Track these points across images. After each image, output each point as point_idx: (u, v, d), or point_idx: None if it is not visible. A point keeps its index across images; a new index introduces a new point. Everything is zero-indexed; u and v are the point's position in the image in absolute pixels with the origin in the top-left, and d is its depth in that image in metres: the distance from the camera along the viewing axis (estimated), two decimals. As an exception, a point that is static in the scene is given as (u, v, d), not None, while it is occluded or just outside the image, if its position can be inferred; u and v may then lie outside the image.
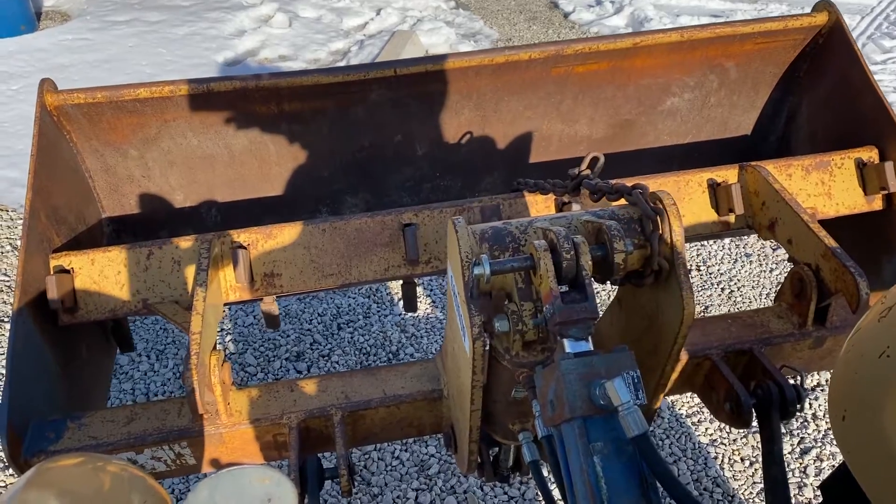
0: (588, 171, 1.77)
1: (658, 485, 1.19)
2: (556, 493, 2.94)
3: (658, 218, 1.39)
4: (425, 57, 2.45)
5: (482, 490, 3.14)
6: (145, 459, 1.77)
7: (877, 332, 1.20)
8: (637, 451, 1.18)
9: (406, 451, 3.33)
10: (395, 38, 7.65)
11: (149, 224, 2.54)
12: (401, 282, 2.34)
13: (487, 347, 1.37)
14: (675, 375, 1.83)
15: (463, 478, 3.18)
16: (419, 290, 4.26)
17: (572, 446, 1.21)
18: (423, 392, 1.84)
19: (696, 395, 2.08)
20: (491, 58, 2.36)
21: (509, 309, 1.33)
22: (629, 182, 1.54)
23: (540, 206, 2.18)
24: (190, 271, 2.02)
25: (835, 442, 3.26)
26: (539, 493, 3.04)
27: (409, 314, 4.07)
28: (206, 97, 2.27)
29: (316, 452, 1.78)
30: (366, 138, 2.58)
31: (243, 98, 2.32)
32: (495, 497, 3.11)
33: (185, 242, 2.02)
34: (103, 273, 2.01)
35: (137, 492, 1.03)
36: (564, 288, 1.29)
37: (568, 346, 1.26)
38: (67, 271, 1.98)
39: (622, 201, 1.52)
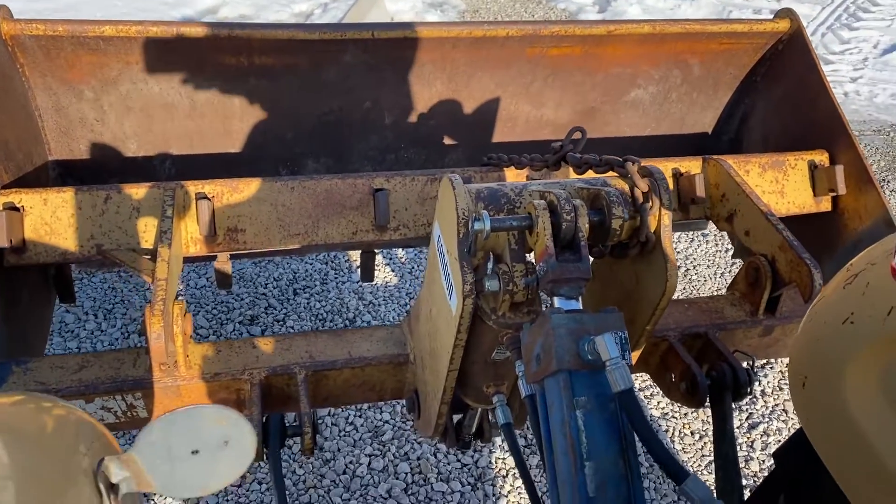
0: (571, 145, 1.79)
1: (638, 444, 1.21)
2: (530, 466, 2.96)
3: (649, 190, 1.41)
4: (404, 23, 2.42)
5: (435, 457, 3.14)
6: (94, 409, 1.69)
7: (841, 298, 1.23)
8: (620, 409, 1.20)
9: (360, 416, 3.30)
10: (360, 2, 7.52)
11: (98, 171, 2.42)
12: (360, 250, 2.32)
13: (475, 304, 1.36)
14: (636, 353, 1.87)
15: (417, 444, 3.18)
16: (378, 257, 4.22)
17: (556, 399, 1.22)
18: (389, 356, 1.82)
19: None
20: (469, 30, 2.36)
21: (500, 269, 1.34)
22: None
23: (512, 180, 2.19)
24: (149, 219, 1.93)
25: (782, 417, 3.43)
26: (493, 461, 3.06)
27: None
28: (174, 42, 2.17)
29: (277, 412, 1.74)
30: (335, 101, 2.53)
31: (213, 47, 2.23)
32: (448, 464, 3.12)
33: (146, 189, 1.94)
34: (56, 214, 1.90)
35: (84, 436, 0.95)
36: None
37: (558, 304, 1.28)
38: (17, 209, 1.87)
39: (610, 174, 1.54)
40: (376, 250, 2.36)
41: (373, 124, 2.62)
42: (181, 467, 0.91)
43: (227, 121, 2.48)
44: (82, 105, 2.30)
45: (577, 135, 1.77)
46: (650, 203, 1.43)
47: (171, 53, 2.24)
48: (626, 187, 1.47)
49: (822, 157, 2.46)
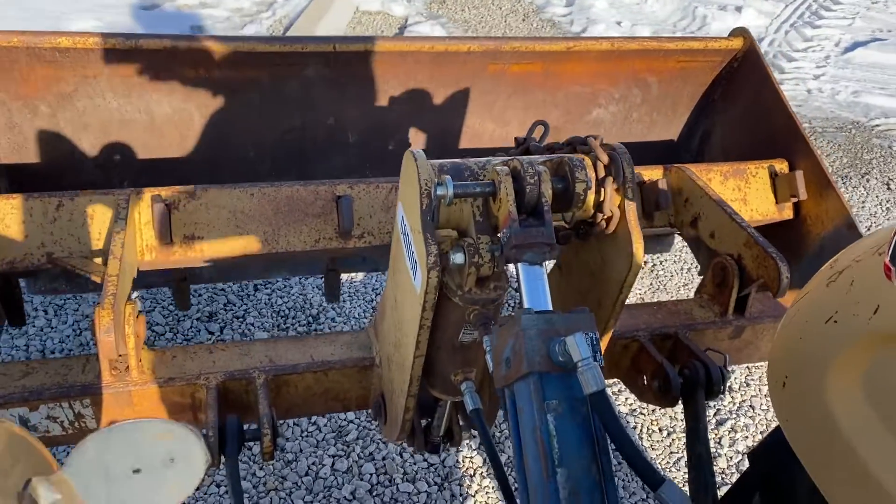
0: (534, 138, 1.77)
1: (610, 445, 1.17)
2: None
3: (610, 163, 1.42)
4: (365, 36, 2.40)
5: (401, 457, 3.09)
6: (39, 419, 1.60)
7: (824, 296, 1.21)
8: (592, 411, 1.16)
9: (323, 416, 3.22)
10: None
11: (53, 189, 2.35)
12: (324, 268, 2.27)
13: (440, 279, 1.33)
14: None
15: (382, 444, 3.12)
16: None
17: (526, 403, 1.18)
18: (353, 359, 1.77)
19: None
20: (431, 45, 2.35)
21: (465, 242, 1.32)
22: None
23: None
24: (103, 226, 1.86)
25: (749, 413, 3.44)
26: (461, 461, 3.01)
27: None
28: (132, 54, 2.11)
29: (235, 415, 1.66)
30: (297, 118, 2.48)
31: (172, 59, 2.17)
32: (414, 464, 3.06)
33: (101, 195, 1.87)
34: (4, 222, 1.81)
35: (11, 452, 0.86)
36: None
37: (522, 270, 1.29)
38: None
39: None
40: (341, 271, 2.33)
41: (336, 142, 2.57)
42: (120, 488, 0.83)
43: (186, 139, 2.41)
44: (37, 121, 2.22)
45: (540, 129, 1.75)
46: (612, 176, 1.43)
47: (128, 66, 2.17)
48: (590, 163, 1.47)
49: (781, 165, 2.50)
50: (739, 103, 2.73)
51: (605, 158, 1.44)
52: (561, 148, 1.60)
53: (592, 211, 1.46)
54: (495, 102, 2.63)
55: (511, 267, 1.37)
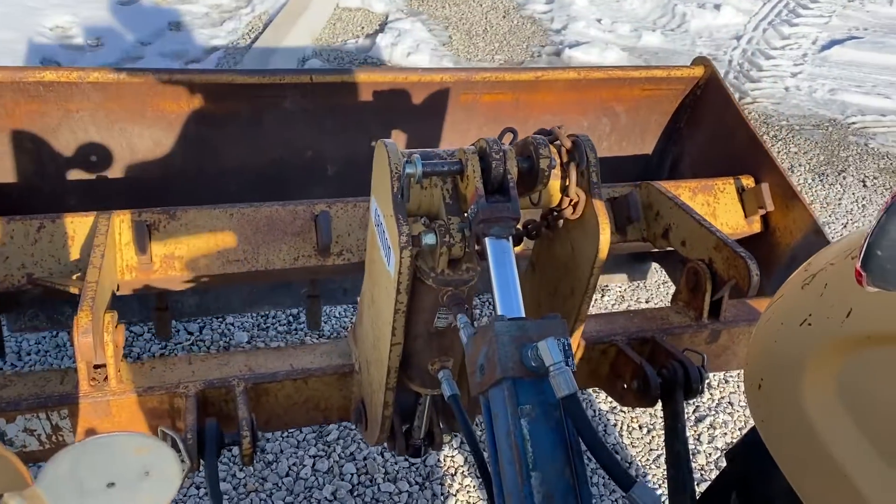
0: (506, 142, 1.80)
1: (584, 450, 1.19)
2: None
3: (574, 148, 1.47)
4: (340, 68, 2.50)
5: (382, 457, 3.09)
6: (16, 432, 1.59)
7: (799, 300, 1.23)
8: (565, 415, 1.18)
9: (305, 424, 3.23)
10: None
11: None
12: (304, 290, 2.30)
13: (413, 260, 1.36)
14: (579, 354, 1.87)
15: (363, 444, 3.12)
16: None
17: (500, 409, 1.19)
18: (333, 366, 1.79)
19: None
20: (405, 76, 2.44)
21: (436, 224, 1.37)
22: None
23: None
24: (84, 247, 1.88)
25: (727, 410, 3.48)
26: (442, 460, 3.02)
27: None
28: (114, 88, 2.15)
29: (214, 419, 1.66)
30: (276, 151, 2.52)
31: (154, 92, 2.21)
32: (396, 464, 3.07)
33: (82, 217, 1.89)
34: None
35: None
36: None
37: (490, 244, 1.33)
38: None
39: None
40: (321, 299, 2.37)
41: (316, 174, 2.61)
42: (94, 503, 0.83)
43: (168, 174, 2.44)
44: (21, 157, 2.23)
45: (509, 136, 1.78)
46: (575, 161, 1.48)
47: (111, 100, 2.20)
48: (555, 151, 1.51)
49: (748, 181, 2.58)
50: (705, 128, 2.84)
51: (567, 144, 1.49)
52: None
53: (559, 197, 1.51)
54: (468, 131, 2.70)
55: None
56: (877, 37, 8.49)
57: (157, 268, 1.93)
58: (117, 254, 1.88)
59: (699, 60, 2.80)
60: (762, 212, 2.51)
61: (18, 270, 1.84)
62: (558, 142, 1.51)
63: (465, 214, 1.38)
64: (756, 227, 2.54)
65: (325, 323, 3.75)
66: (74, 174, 2.34)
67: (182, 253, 1.95)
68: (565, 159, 1.49)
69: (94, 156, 2.33)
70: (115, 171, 2.38)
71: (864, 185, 5.76)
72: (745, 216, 2.53)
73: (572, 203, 1.52)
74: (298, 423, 1.89)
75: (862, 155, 6.23)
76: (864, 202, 5.52)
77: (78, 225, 1.88)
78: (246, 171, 2.52)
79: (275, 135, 2.47)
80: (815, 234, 2.38)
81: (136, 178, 2.41)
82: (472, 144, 1.42)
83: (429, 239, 1.35)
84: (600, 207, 1.50)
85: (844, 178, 5.84)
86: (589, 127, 2.85)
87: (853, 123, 6.75)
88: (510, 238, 1.35)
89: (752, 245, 2.48)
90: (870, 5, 9.46)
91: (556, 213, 1.58)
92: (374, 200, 1.49)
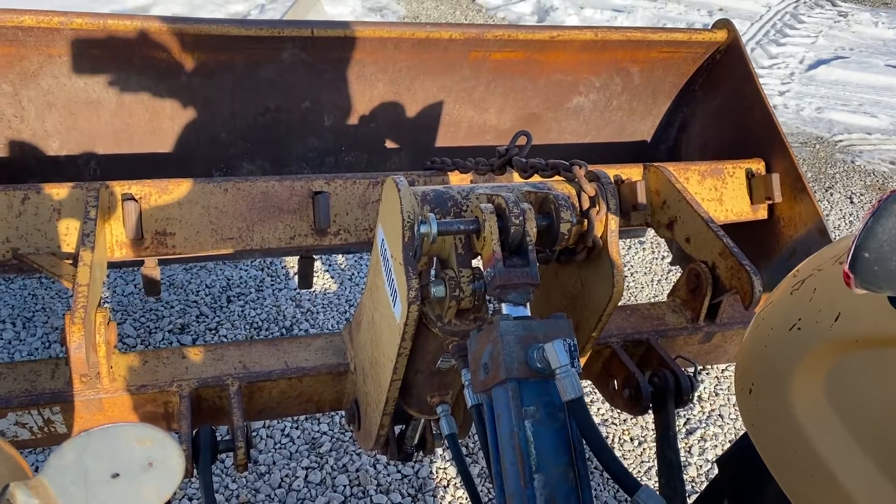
0: (517, 150, 1.77)
1: (587, 453, 1.18)
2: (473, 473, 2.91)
3: (596, 194, 1.41)
4: (345, 21, 2.36)
5: (375, 468, 3.06)
6: (7, 425, 1.56)
7: (788, 304, 1.24)
8: (569, 417, 1.17)
9: (297, 428, 3.19)
10: (298, 5, 7.35)
11: (17, 172, 2.26)
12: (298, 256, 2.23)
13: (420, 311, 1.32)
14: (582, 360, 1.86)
15: (356, 456, 3.09)
16: (317, 263, 4.12)
17: (504, 409, 1.18)
18: (328, 365, 1.75)
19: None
20: (412, 31, 2.30)
21: (447, 275, 1.31)
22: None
23: (456, 184, 2.14)
24: (71, 222, 1.81)
25: (718, 422, 3.47)
26: (434, 472, 3.00)
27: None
28: (100, 36, 2.05)
29: (208, 425, 1.64)
30: (272, 101, 2.43)
31: (142, 41, 2.11)
32: (388, 475, 3.04)
33: (68, 189, 1.81)
34: None
35: None
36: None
37: (506, 310, 1.25)
38: None
39: (556, 178, 1.53)
40: (316, 256, 2.28)
41: (311, 125, 2.53)
42: (99, 493, 0.82)
43: (156, 119, 2.35)
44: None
45: (523, 139, 1.75)
46: (597, 207, 1.43)
47: (97, 47, 2.10)
48: (573, 191, 1.46)
49: (758, 166, 2.50)
50: (719, 95, 2.73)
51: (590, 191, 1.44)
52: (544, 169, 1.59)
53: (574, 241, 1.46)
54: (475, 89, 2.61)
55: None
56: (862, 56, 8.63)
57: (148, 244, 1.86)
58: (107, 230, 1.82)
59: (722, 23, 2.66)
60: (769, 201, 2.46)
61: (3, 245, 1.77)
62: (577, 181, 1.46)
63: (478, 267, 1.32)
64: (761, 213, 2.49)
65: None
66: (57, 121, 2.25)
67: (174, 229, 1.88)
68: (585, 205, 1.43)
69: (78, 102, 2.23)
70: (102, 120, 2.29)
71: (851, 202, 5.82)
72: (752, 203, 2.48)
73: (588, 248, 1.48)
74: (291, 414, 1.85)
75: (849, 172, 6.30)
76: (851, 218, 5.58)
77: (65, 197, 1.80)
78: (238, 120, 2.43)
79: (271, 85, 2.38)
80: (819, 232, 2.35)
81: (123, 125, 2.33)
82: (490, 200, 1.33)
83: (438, 291, 1.29)
84: (616, 254, 1.45)
85: (832, 194, 5.90)
86: (601, 86, 2.77)
87: (840, 141, 6.83)
88: (527, 304, 1.28)
89: (754, 231, 2.49)
90: (855, 26, 9.62)
91: (570, 252, 1.52)
92: (382, 232, 1.43)
